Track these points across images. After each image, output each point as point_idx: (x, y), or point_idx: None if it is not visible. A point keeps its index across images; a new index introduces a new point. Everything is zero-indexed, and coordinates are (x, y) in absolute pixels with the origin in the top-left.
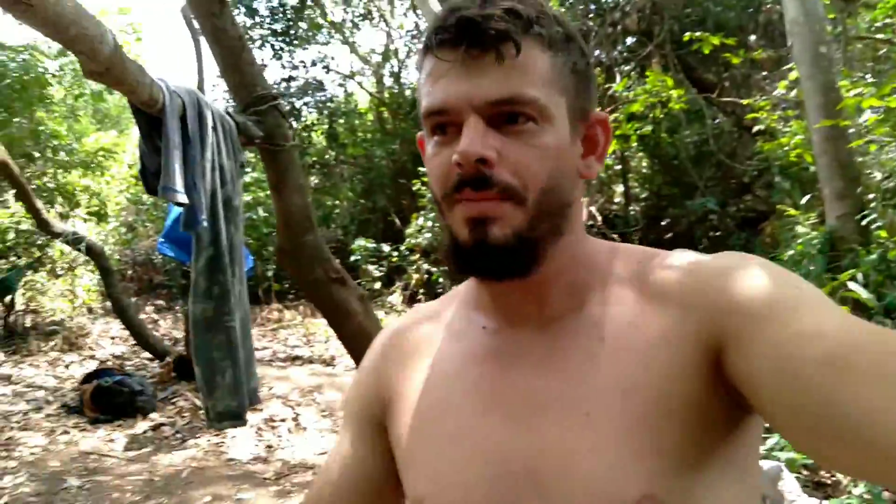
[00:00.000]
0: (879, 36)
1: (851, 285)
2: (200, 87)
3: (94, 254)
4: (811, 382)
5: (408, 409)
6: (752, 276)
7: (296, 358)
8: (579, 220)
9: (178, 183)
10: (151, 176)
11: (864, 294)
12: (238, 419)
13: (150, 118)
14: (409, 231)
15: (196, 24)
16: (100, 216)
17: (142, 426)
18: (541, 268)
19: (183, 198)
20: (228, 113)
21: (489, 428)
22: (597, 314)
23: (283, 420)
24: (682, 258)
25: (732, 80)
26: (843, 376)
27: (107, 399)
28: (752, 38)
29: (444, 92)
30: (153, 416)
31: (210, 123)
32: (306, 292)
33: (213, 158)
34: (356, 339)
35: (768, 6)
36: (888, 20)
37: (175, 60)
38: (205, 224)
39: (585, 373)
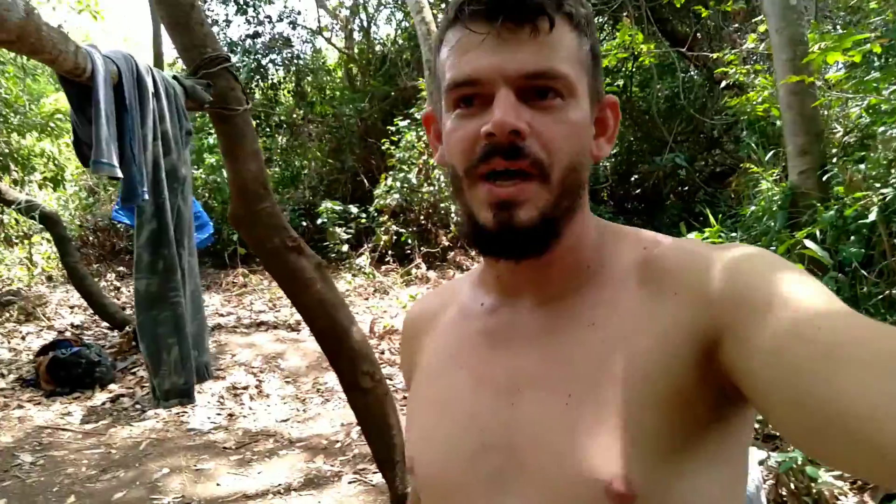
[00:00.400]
0: None
1: (808, 243)
2: (158, 57)
3: (49, 222)
4: (811, 378)
5: (417, 380)
6: (751, 268)
7: (260, 324)
8: (586, 199)
9: (111, 155)
10: (86, 148)
11: (819, 252)
12: (186, 397)
13: (80, 87)
14: (377, 192)
15: None
16: (56, 182)
17: (100, 398)
18: (556, 246)
19: (116, 172)
20: (175, 77)
21: (476, 401)
22: (592, 298)
23: (245, 388)
24: (686, 246)
25: (704, 33)
26: (843, 372)
27: (63, 371)
28: None
29: (475, 63)
30: (112, 387)
31: (151, 90)
32: (262, 261)
33: (154, 126)
34: (314, 308)
35: None
36: None
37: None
38: (146, 197)
39: (572, 355)
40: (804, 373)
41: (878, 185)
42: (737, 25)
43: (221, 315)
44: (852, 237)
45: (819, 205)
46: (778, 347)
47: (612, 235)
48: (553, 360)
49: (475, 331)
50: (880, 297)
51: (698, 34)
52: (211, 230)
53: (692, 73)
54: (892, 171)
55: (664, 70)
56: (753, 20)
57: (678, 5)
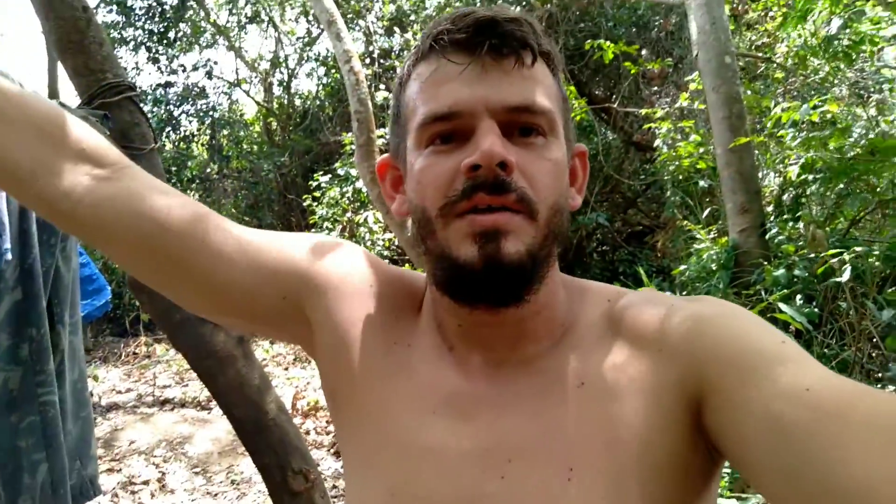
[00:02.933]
0: (759, 54)
1: (783, 307)
2: (53, 87)
3: None
4: (806, 442)
5: (365, 389)
6: (733, 326)
7: (165, 401)
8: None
9: None
10: None
11: (796, 317)
12: None
13: None
14: None
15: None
16: None
17: None
18: (534, 296)
19: None
20: (61, 104)
21: (459, 465)
22: (574, 357)
23: (145, 483)
24: (656, 300)
25: (620, 97)
26: (838, 436)
27: None
28: (644, 52)
29: (457, 94)
30: None
31: None
32: (168, 335)
33: None
34: (233, 391)
35: (659, 22)
36: (765, 39)
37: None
38: (8, 257)
39: (565, 420)
40: (798, 438)
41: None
42: (655, 88)
43: (119, 392)
44: (798, 297)
45: (766, 263)
46: (769, 411)
47: (577, 290)
48: (546, 426)
49: (450, 383)
50: (836, 359)
51: (614, 97)
52: (108, 296)
53: (608, 134)
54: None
55: (583, 131)
56: (671, 82)
57: (607, 60)
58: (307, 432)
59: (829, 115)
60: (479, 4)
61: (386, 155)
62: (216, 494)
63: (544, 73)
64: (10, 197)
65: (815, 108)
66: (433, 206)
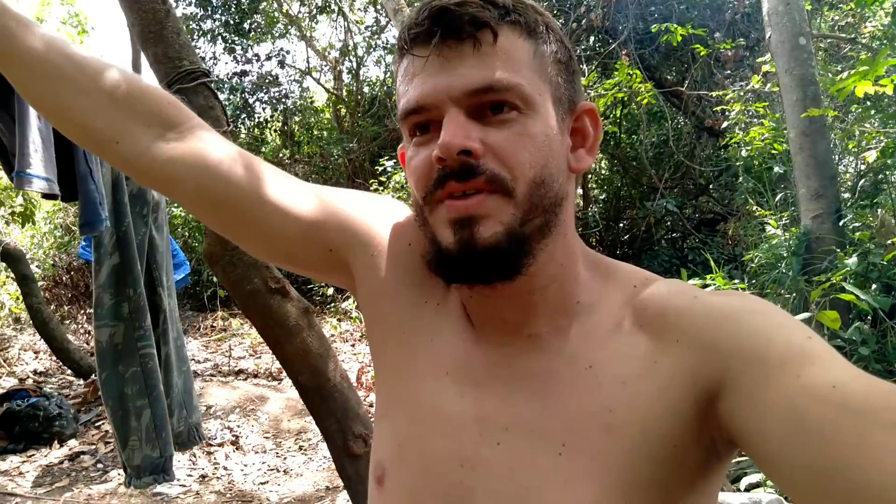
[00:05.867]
0: (841, 35)
1: (848, 287)
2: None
3: (11, 259)
4: (832, 441)
5: (394, 344)
6: (760, 321)
7: (239, 371)
8: (571, 223)
9: (45, 166)
10: (13, 158)
11: (862, 296)
12: (162, 473)
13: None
14: None
15: None
16: (26, 217)
17: (57, 455)
18: (531, 269)
19: (52, 187)
20: None
21: (459, 426)
22: (586, 338)
23: (220, 444)
24: (683, 291)
25: (692, 81)
26: (866, 436)
27: (18, 425)
28: (717, 35)
29: (421, 87)
30: (72, 443)
31: None
32: (240, 304)
33: None
34: (298, 360)
35: (733, 3)
36: (849, 19)
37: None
38: (106, 224)
39: (567, 400)
40: (824, 436)
41: None
42: (729, 71)
43: (198, 362)
44: (874, 285)
45: (839, 250)
46: (793, 406)
47: (604, 270)
48: (546, 404)
49: (465, 348)
50: None
51: (686, 81)
52: (188, 270)
53: (680, 120)
54: None
55: (653, 117)
56: (742, 67)
57: (675, 43)
58: (371, 405)
59: None
60: None
61: (403, 143)
62: (285, 458)
63: (512, 44)
64: (102, 172)
65: (884, 76)
66: (419, 195)
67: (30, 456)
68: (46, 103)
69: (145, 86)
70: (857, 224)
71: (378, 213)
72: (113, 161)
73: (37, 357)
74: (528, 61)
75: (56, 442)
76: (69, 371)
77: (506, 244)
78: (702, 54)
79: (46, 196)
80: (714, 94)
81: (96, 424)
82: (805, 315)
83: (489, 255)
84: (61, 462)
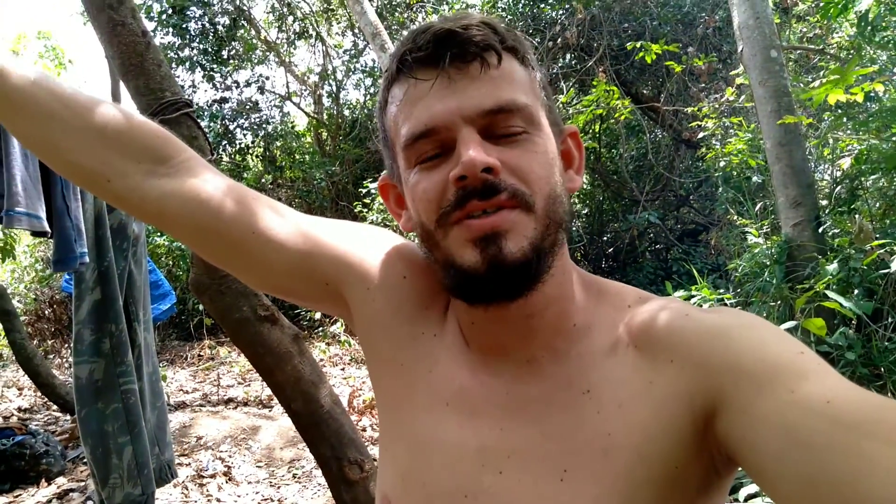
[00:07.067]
0: (810, 46)
1: (831, 294)
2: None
3: None
4: (825, 454)
5: (392, 377)
6: (751, 337)
7: (229, 400)
8: (566, 244)
9: (34, 204)
10: (0, 198)
11: (844, 304)
12: None
13: None
14: None
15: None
16: (6, 252)
17: (45, 494)
18: (543, 287)
19: (42, 225)
20: None
21: (461, 456)
22: (583, 362)
23: (212, 476)
24: (676, 310)
25: (668, 94)
26: (859, 448)
27: (5, 464)
28: (690, 49)
29: (431, 110)
30: (60, 480)
31: None
32: (229, 333)
33: None
34: (290, 388)
35: (704, 18)
36: (817, 31)
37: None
38: (85, 259)
39: (567, 426)
40: (817, 449)
41: (877, 235)
42: (703, 84)
43: (186, 392)
44: (856, 290)
45: (820, 257)
46: (786, 420)
47: (597, 290)
48: (546, 431)
49: (463, 377)
50: None
51: (662, 96)
52: (174, 300)
53: (658, 133)
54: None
55: (631, 131)
56: (717, 79)
57: (649, 60)
58: (363, 429)
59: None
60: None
61: (384, 174)
62: (279, 487)
63: (513, 68)
64: (85, 207)
65: (854, 84)
66: (429, 219)
67: (17, 496)
68: (35, 142)
69: (135, 120)
70: (836, 230)
71: (372, 245)
72: (105, 197)
73: (21, 394)
74: (527, 84)
75: (44, 480)
76: (55, 406)
77: (533, 258)
78: (676, 71)
79: (36, 233)
80: (689, 109)
81: (84, 460)
82: (791, 323)
83: (518, 271)
84: (49, 501)
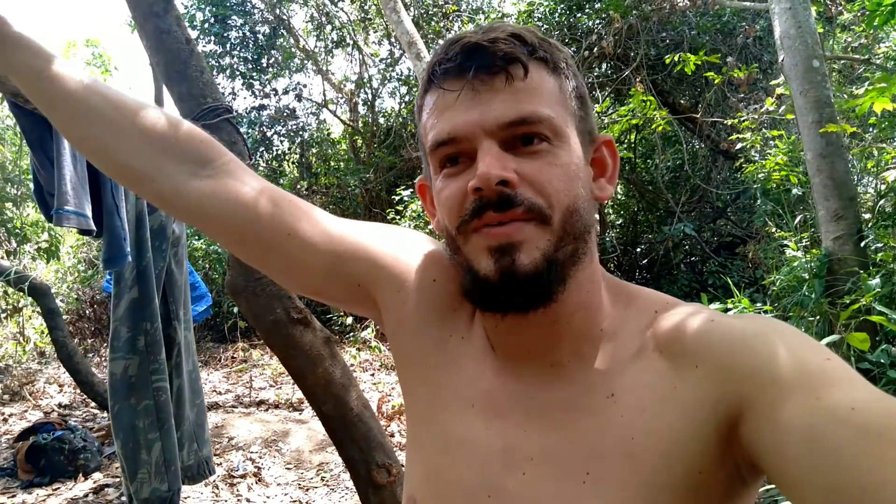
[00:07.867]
0: (855, 56)
1: (880, 308)
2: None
3: (37, 293)
4: (851, 462)
5: (420, 380)
6: (778, 343)
7: (260, 402)
8: (594, 250)
9: (81, 202)
10: (50, 197)
11: (892, 316)
12: None
13: (38, 118)
14: None
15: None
16: (51, 253)
17: (82, 488)
18: (562, 296)
19: (88, 223)
20: None
21: (486, 457)
22: (608, 367)
23: (243, 476)
24: (702, 316)
25: (706, 105)
26: (885, 456)
27: (44, 458)
28: (729, 59)
29: (454, 120)
30: (97, 475)
31: None
32: (262, 335)
33: None
34: (320, 390)
35: (744, 28)
36: (862, 41)
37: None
38: (129, 259)
39: (590, 430)
40: (843, 457)
41: None
42: (742, 95)
43: (219, 393)
44: None
45: (862, 272)
46: (812, 426)
47: (626, 296)
48: (569, 434)
49: (489, 380)
50: None
51: (699, 106)
52: (209, 302)
53: (695, 143)
54: None
55: (667, 141)
56: (756, 90)
57: (689, 72)
58: (391, 434)
59: None
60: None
61: (422, 175)
62: (307, 489)
63: (542, 79)
64: (126, 208)
65: None
66: (452, 225)
67: (55, 489)
68: (88, 144)
69: (180, 124)
70: (879, 245)
71: (404, 248)
72: (149, 197)
73: (61, 390)
74: (555, 95)
75: (81, 475)
76: (93, 404)
77: (545, 271)
78: (716, 82)
79: (83, 232)
80: (728, 120)
81: None
82: (834, 337)
83: (529, 283)
84: (86, 495)
